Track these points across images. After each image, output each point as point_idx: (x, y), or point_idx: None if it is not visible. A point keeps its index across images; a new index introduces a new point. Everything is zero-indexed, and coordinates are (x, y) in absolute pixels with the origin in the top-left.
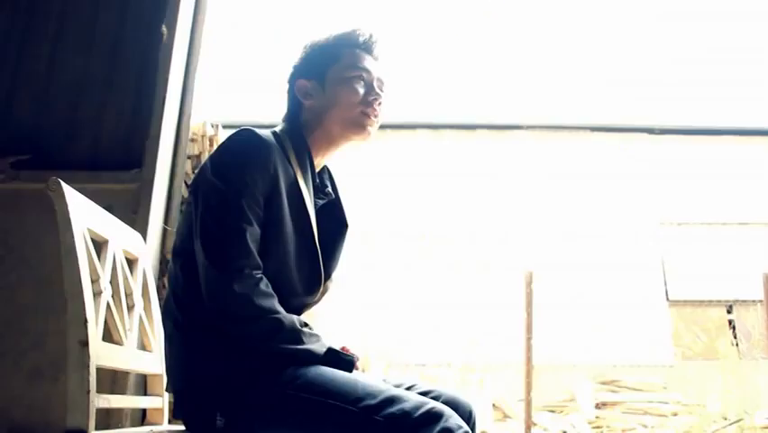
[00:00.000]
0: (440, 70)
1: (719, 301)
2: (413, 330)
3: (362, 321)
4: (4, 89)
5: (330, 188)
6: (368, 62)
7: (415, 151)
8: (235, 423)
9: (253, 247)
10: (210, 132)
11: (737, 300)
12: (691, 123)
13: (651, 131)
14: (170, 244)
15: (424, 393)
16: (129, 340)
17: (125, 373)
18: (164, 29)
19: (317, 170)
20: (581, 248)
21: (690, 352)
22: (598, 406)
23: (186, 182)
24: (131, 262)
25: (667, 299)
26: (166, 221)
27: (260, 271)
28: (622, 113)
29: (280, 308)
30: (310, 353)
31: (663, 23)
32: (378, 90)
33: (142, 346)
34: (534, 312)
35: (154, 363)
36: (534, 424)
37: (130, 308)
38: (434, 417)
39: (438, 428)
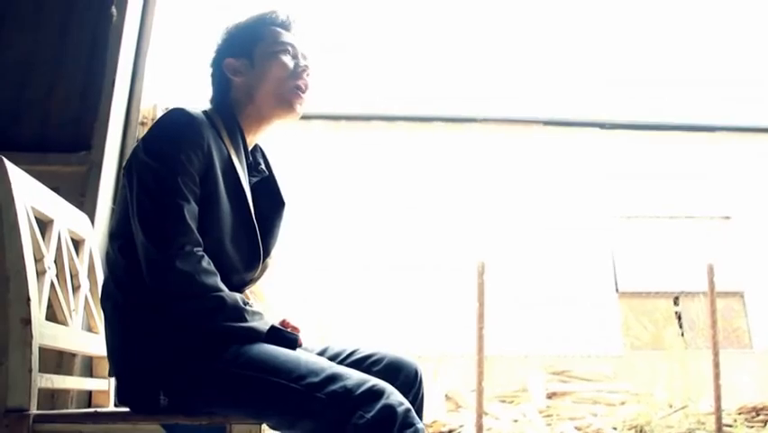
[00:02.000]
0: (396, 63)
1: (666, 293)
2: (367, 320)
3: (318, 311)
4: None
5: (263, 166)
6: (290, 39)
7: (369, 142)
8: (179, 402)
9: (192, 224)
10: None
11: (683, 292)
12: (641, 118)
13: (602, 125)
14: None
15: (366, 357)
16: (74, 321)
17: (72, 355)
18: (113, 10)
19: (249, 148)
20: (533, 240)
21: (638, 342)
22: (549, 396)
23: None
24: (77, 243)
25: (616, 290)
26: (114, 203)
27: (201, 249)
28: (574, 107)
29: (223, 286)
30: (253, 330)
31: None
32: (304, 62)
33: (89, 328)
34: (487, 303)
35: (100, 344)
36: (486, 413)
37: (75, 288)
38: (376, 394)
39: (379, 405)
